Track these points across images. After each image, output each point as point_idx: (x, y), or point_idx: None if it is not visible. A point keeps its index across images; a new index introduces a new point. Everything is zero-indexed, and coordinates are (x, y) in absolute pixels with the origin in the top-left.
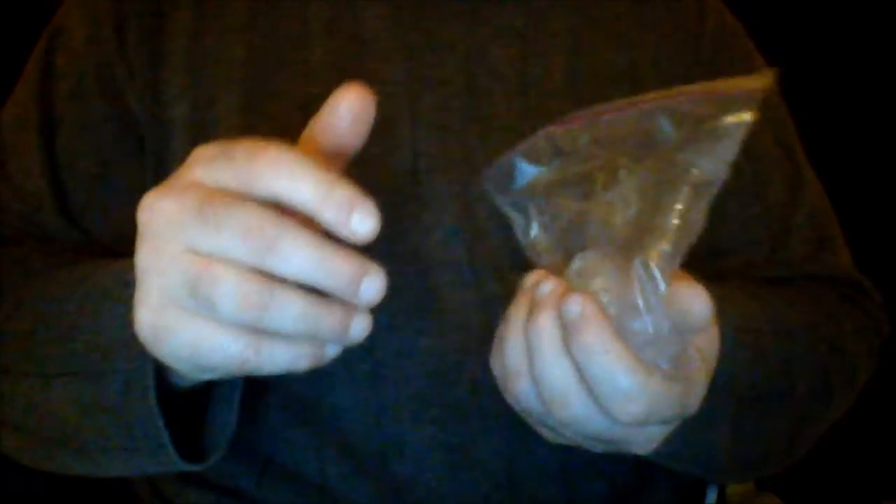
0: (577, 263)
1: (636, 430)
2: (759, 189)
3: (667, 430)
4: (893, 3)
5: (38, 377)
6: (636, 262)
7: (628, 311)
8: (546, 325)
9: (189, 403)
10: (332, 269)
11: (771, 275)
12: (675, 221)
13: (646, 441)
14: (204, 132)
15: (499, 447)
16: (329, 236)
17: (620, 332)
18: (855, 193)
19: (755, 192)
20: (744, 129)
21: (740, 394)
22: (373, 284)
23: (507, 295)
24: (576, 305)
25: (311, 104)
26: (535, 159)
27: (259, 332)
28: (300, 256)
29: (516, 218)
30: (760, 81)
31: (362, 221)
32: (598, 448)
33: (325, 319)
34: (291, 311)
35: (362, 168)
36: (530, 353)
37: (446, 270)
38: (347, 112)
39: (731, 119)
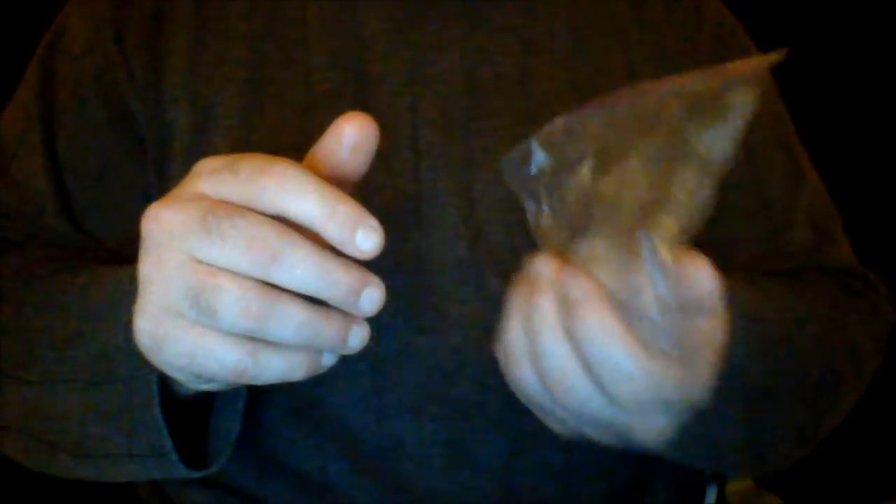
0: (582, 245)
1: (639, 416)
2: (759, 184)
3: (673, 418)
4: (893, 2)
5: (42, 383)
6: (640, 234)
7: (633, 290)
8: (545, 305)
9: (192, 409)
10: (334, 280)
11: (773, 268)
12: (681, 197)
13: (652, 431)
14: (204, 134)
15: (499, 445)
16: (330, 249)
17: (622, 313)
18: (856, 188)
19: (755, 187)
20: (750, 106)
21: (751, 386)
22: (373, 295)
23: (508, 293)
24: (576, 286)
25: (312, 105)
26: (549, 145)
27: (257, 341)
28: (303, 268)
29: (529, 204)
30: (766, 60)
31: (367, 238)
32: (606, 439)
33: (325, 329)
34: (292, 321)
35: None
36: (530, 335)
37: (447, 269)
38: (348, 140)
39: (737, 96)
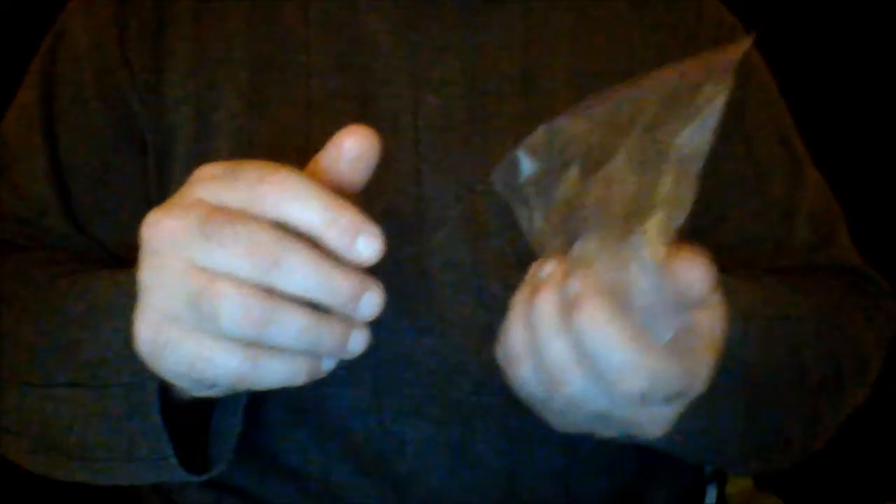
0: (577, 247)
1: (639, 409)
2: (760, 184)
3: (673, 411)
4: (894, 2)
5: (42, 387)
6: (631, 240)
7: (628, 287)
8: (545, 303)
9: (193, 413)
10: (334, 286)
11: (775, 266)
12: (664, 196)
13: (653, 423)
14: (206, 135)
15: (500, 446)
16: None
17: (621, 309)
18: (857, 186)
19: (756, 187)
20: (721, 97)
21: (751, 380)
22: (372, 300)
23: (509, 295)
24: (576, 283)
25: (313, 106)
26: (535, 153)
27: (258, 347)
28: (303, 273)
29: (521, 212)
30: (736, 49)
31: (367, 245)
32: (607, 432)
33: (326, 335)
34: (293, 326)
35: None
36: (531, 333)
37: (448, 271)
38: (349, 153)
39: (709, 89)
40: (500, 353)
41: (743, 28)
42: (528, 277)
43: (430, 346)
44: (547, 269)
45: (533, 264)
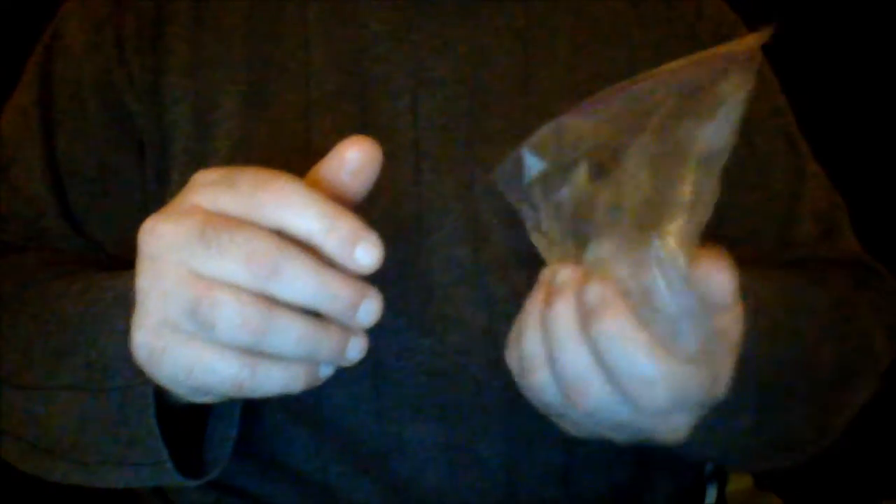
0: (592, 251)
1: (660, 418)
2: (762, 179)
3: (693, 417)
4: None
5: (38, 389)
6: (654, 243)
7: (649, 294)
8: (564, 311)
9: (189, 417)
10: (333, 294)
11: (780, 261)
12: (688, 197)
13: (672, 430)
14: (205, 135)
15: (499, 447)
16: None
17: (642, 317)
18: (859, 181)
19: (758, 182)
20: (743, 91)
21: (762, 377)
22: (371, 308)
23: (510, 295)
24: (595, 291)
25: (312, 106)
26: (541, 152)
27: (255, 354)
28: (302, 281)
29: (526, 213)
30: (754, 41)
31: (366, 253)
32: (623, 438)
33: (323, 342)
34: (291, 334)
35: None
36: (548, 341)
37: (449, 270)
38: (350, 165)
39: (729, 85)
40: (513, 359)
41: (744, 25)
42: (540, 282)
43: (430, 347)
44: (563, 274)
45: (545, 268)
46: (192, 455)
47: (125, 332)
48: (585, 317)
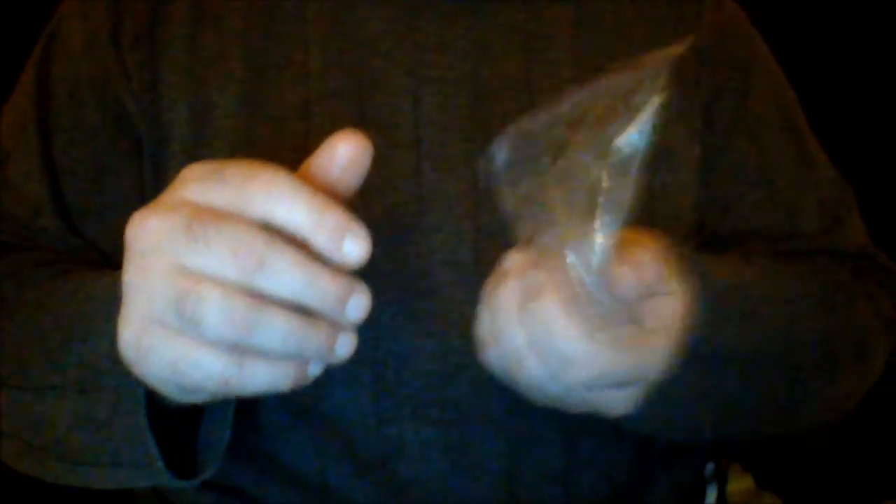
0: (539, 238)
1: (590, 394)
2: (766, 174)
3: (629, 393)
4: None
5: (31, 390)
6: (568, 247)
7: (578, 281)
8: (504, 295)
9: (181, 418)
10: (321, 288)
11: (779, 250)
12: (601, 200)
13: (612, 405)
14: (203, 134)
15: (499, 448)
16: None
17: (573, 302)
18: (866, 176)
19: (761, 177)
20: (655, 99)
21: (719, 358)
22: (359, 303)
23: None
24: (533, 276)
25: (311, 105)
26: (510, 146)
27: (242, 351)
28: (289, 276)
29: (498, 198)
30: (672, 50)
31: (354, 246)
32: (571, 409)
33: (312, 339)
34: (278, 330)
35: None
36: (492, 322)
37: (450, 270)
38: (341, 159)
39: (642, 93)
40: (475, 335)
41: (744, 13)
42: (497, 266)
43: (430, 347)
44: (510, 260)
45: (503, 253)
46: (185, 456)
47: (115, 331)
48: (523, 300)
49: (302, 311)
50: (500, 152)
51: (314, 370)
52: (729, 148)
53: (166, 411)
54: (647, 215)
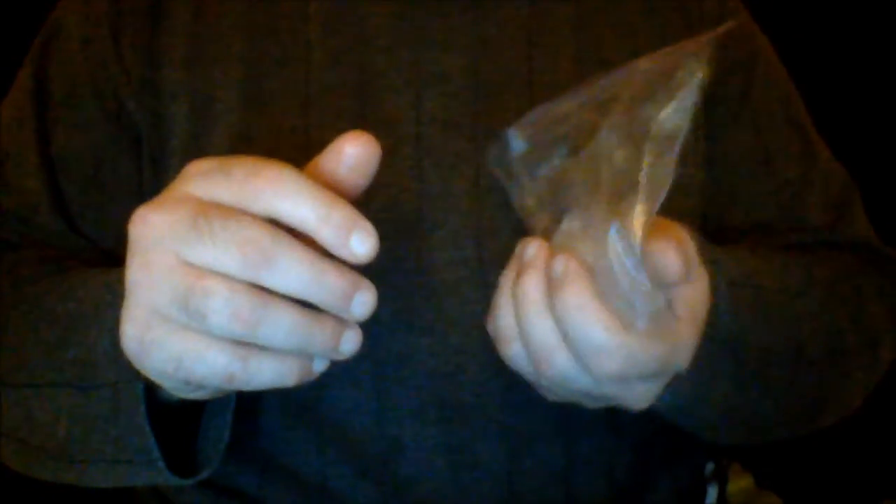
0: (564, 225)
1: (619, 386)
2: (770, 166)
3: (656, 386)
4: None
5: (29, 387)
6: (611, 227)
7: (609, 271)
8: (530, 285)
9: (181, 415)
10: (326, 284)
11: (786, 243)
12: (643, 179)
13: (637, 398)
14: (203, 130)
15: (500, 448)
16: (323, 252)
17: (602, 291)
18: (871, 169)
19: (766, 169)
20: (698, 75)
21: (738, 349)
22: (365, 300)
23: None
24: (559, 265)
25: (312, 102)
26: (526, 133)
27: (247, 346)
28: (295, 271)
29: (512, 188)
30: (712, 34)
31: (361, 242)
32: (592, 404)
33: (317, 334)
34: (283, 325)
35: None
36: (517, 314)
37: (452, 268)
38: (348, 160)
39: (684, 70)
40: (490, 329)
41: (748, 13)
42: (515, 255)
43: (430, 347)
44: (531, 249)
45: (519, 242)
46: (184, 454)
47: (114, 327)
48: (550, 290)
49: (307, 306)
50: (515, 140)
51: (319, 366)
52: (733, 141)
53: (165, 409)
54: None
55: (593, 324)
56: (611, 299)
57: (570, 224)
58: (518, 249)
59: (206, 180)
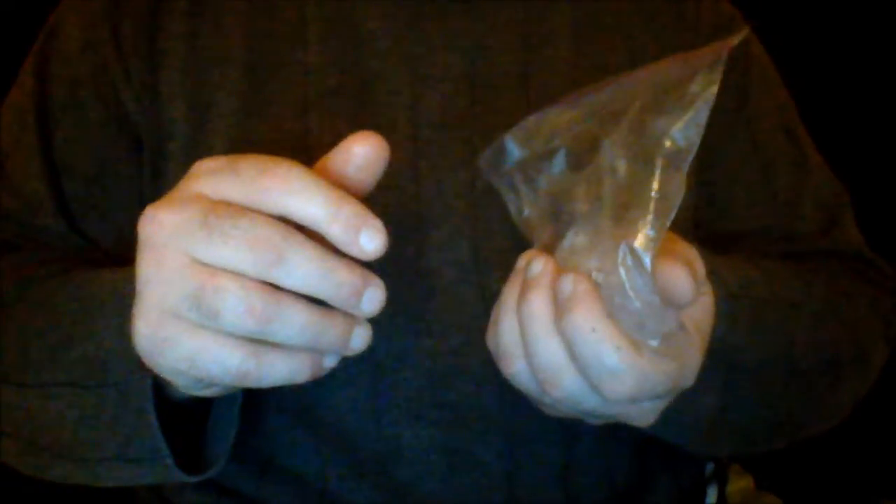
0: (568, 240)
1: (630, 406)
2: (765, 174)
3: (663, 403)
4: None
5: (35, 387)
6: (621, 245)
7: (618, 289)
8: (538, 304)
9: (188, 413)
10: (337, 281)
11: (778, 252)
12: (654, 195)
13: (642, 415)
14: (202, 133)
15: (499, 448)
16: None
17: (611, 310)
18: (862, 176)
19: (759, 177)
20: (712, 89)
21: (731, 361)
22: (375, 296)
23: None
24: (567, 284)
25: (310, 104)
26: (523, 140)
27: (259, 344)
28: (306, 268)
29: (510, 198)
30: (725, 43)
31: (371, 239)
32: (595, 421)
33: (329, 330)
34: (296, 322)
35: None
36: (523, 333)
37: (449, 270)
38: (357, 160)
39: (699, 82)
40: (491, 345)
41: (743, 19)
42: (516, 269)
43: (429, 348)
44: (536, 265)
45: (520, 256)
46: (192, 453)
47: (122, 327)
48: (558, 310)
49: (317, 304)
50: (512, 147)
51: (330, 362)
52: (726, 147)
53: (172, 407)
54: None
55: (605, 346)
56: (620, 318)
57: (574, 239)
58: (520, 263)
59: (214, 178)
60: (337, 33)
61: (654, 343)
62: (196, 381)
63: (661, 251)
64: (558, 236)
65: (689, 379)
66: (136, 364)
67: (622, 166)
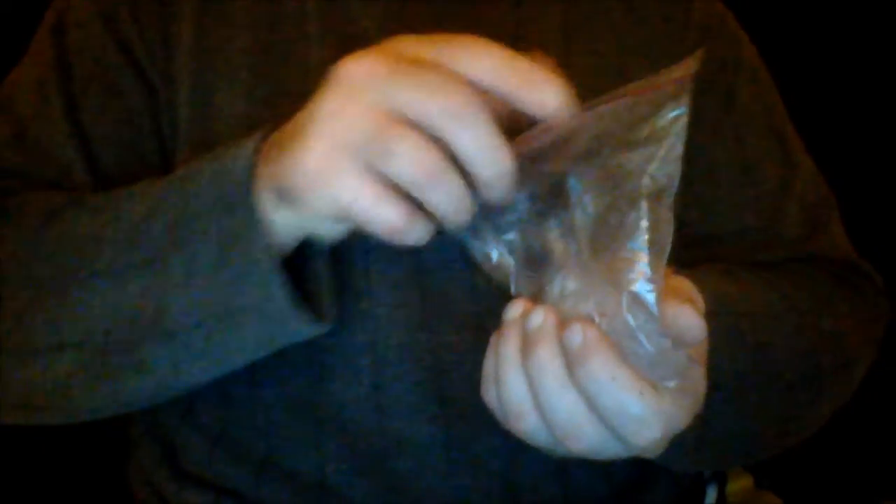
0: (557, 284)
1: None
2: (750, 175)
3: (674, 433)
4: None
5: (110, 276)
6: (623, 293)
7: (626, 334)
8: (548, 357)
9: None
10: (498, 157)
11: (763, 258)
12: (646, 237)
13: (657, 448)
14: (206, 120)
15: (498, 445)
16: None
17: (624, 355)
18: (855, 180)
19: (746, 178)
20: (680, 122)
21: (711, 377)
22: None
23: (508, 292)
24: (576, 334)
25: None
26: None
27: (413, 205)
28: (475, 133)
29: (474, 244)
30: (686, 68)
31: (556, 96)
32: (607, 459)
33: (464, 209)
34: (454, 190)
35: None
36: (534, 389)
37: (447, 267)
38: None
39: (665, 117)
40: (492, 400)
41: (736, 19)
42: (507, 321)
43: (429, 344)
44: (537, 316)
45: (508, 306)
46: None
47: (226, 177)
48: (570, 362)
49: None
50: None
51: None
52: (713, 148)
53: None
54: None
55: (628, 394)
56: (633, 361)
57: (564, 283)
58: (511, 314)
59: (411, 41)
60: (334, 30)
61: (671, 384)
62: (334, 221)
63: (663, 295)
64: (539, 280)
65: (701, 405)
66: (241, 200)
67: (592, 203)
